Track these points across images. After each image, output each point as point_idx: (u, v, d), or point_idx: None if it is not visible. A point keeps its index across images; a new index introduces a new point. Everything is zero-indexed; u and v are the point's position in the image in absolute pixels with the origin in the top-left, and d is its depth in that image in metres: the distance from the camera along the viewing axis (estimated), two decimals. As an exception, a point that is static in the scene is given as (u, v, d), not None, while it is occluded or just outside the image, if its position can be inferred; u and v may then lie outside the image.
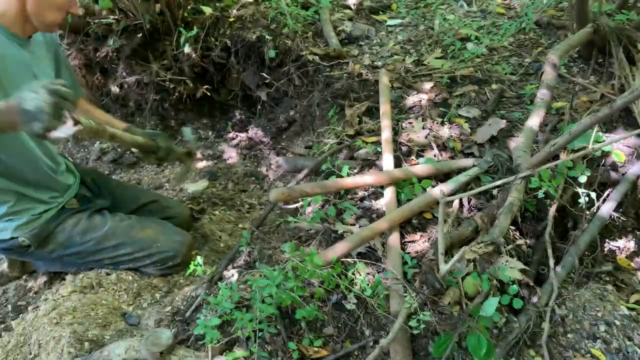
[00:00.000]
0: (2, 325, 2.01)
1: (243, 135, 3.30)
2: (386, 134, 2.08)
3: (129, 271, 2.09)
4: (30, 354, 1.74)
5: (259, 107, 3.39)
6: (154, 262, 2.08)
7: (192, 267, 1.87)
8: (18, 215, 1.92)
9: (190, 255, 2.19)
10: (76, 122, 1.48)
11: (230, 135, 3.31)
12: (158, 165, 2.66)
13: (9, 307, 2.11)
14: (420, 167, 1.91)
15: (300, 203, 2.26)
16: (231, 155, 3.20)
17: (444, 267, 1.55)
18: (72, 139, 1.53)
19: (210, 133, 3.41)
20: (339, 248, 1.63)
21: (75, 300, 1.89)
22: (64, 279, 2.22)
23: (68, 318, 1.81)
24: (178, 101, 3.31)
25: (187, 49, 3.05)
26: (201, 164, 3.14)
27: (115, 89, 3.24)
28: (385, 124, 2.12)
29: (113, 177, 3.03)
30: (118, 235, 2.04)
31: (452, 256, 1.67)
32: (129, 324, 1.90)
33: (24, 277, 2.24)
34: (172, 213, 2.32)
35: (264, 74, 3.05)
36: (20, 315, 2.06)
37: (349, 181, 1.83)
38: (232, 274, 1.92)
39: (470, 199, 1.93)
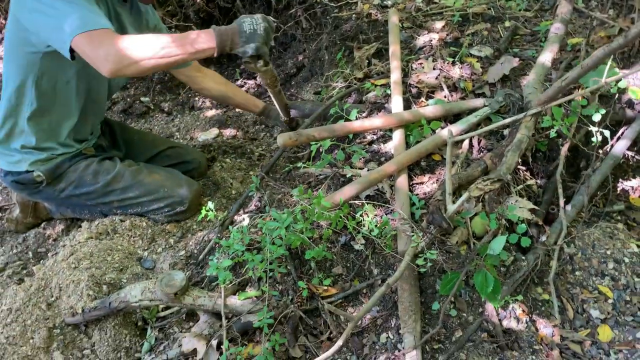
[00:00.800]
0: (25, 271, 2.09)
1: (251, 82, 3.26)
2: (395, 76, 2.03)
3: (142, 218, 2.13)
4: (52, 296, 1.82)
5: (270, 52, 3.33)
6: (161, 208, 2.12)
7: (203, 212, 1.90)
8: (39, 152, 1.99)
9: (199, 202, 2.22)
10: (266, 63, 1.76)
11: (239, 82, 3.27)
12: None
13: (30, 253, 2.18)
14: (429, 109, 1.88)
15: (310, 149, 2.26)
16: (240, 102, 3.18)
17: (451, 207, 1.55)
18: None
19: (218, 80, 3.37)
20: (347, 191, 1.63)
21: (92, 246, 1.95)
22: (81, 227, 2.28)
23: (85, 263, 1.87)
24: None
25: (191, -6, 2.98)
26: (210, 113, 3.12)
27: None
28: (395, 65, 2.07)
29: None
30: (126, 178, 2.09)
31: (461, 197, 1.67)
32: (144, 268, 1.96)
33: (42, 225, 2.30)
34: (189, 159, 2.36)
35: (270, 17, 2.96)
36: (41, 261, 2.14)
37: (357, 124, 1.81)
38: (242, 219, 1.95)
39: (480, 140, 1.91)
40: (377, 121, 1.82)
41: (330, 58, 2.72)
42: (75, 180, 2.05)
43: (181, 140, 2.89)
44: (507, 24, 2.33)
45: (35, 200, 2.21)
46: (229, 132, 2.94)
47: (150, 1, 2.02)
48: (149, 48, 1.58)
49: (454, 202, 1.56)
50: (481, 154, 1.89)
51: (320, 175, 2.04)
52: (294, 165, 2.16)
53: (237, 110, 3.18)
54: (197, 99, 3.20)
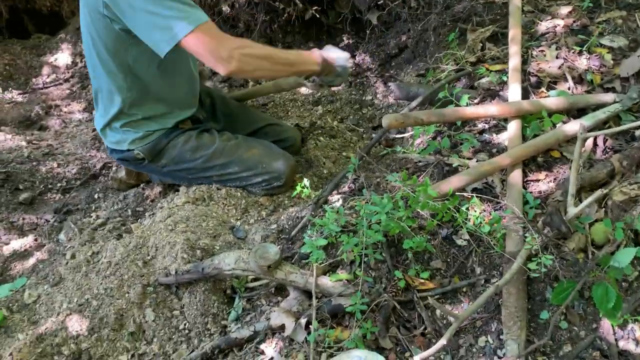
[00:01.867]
0: (124, 227, 2.18)
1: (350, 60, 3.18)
2: (514, 62, 1.88)
3: (237, 188, 2.15)
4: (148, 255, 1.87)
5: (368, 31, 3.24)
6: (259, 182, 2.13)
7: (298, 188, 1.88)
8: (135, 128, 2.05)
9: (294, 178, 2.21)
10: None
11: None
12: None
13: (129, 211, 2.27)
14: (551, 100, 1.72)
15: (411, 133, 2.16)
16: (336, 81, 3.12)
17: (572, 210, 1.41)
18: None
19: (316, 58, 3.33)
20: (455, 181, 1.53)
21: (188, 210, 1.98)
22: (178, 191, 2.34)
23: (182, 226, 1.90)
24: (286, 23, 3.24)
25: (298, -34, 2.94)
26: (305, 90, 3.09)
27: (226, 8, 3.23)
28: (514, 50, 1.91)
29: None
30: (226, 154, 2.11)
31: (581, 199, 1.52)
32: (236, 237, 1.97)
33: (141, 185, 2.38)
34: (284, 136, 2.37)
35: (378, -5, 2.87)
36: (139, 220, 2.22)
37: (470, 111, 1.69)
38: (337, 199, 1.91)
39: (606, 139, 1.72)
40: (492, 109, 1.69)
41: (438, 40, 2.59)
42: (176, 157, 2.09)
43: (278, 114, 2.88)
44: (646, 12, 2.08)
45: (140, 171, 2.29)
46: (321, 111, 2.90)
47: None
48: (268, 62, 1.78)
49: (575, 205, 1.42)
50: (605, 154, 1.70)
51: (420, 162, 1.94)
52: (392, 149, 2.08)
53: (332, 88, 3.12)
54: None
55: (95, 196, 2.39)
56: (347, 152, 2.51)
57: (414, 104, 1.99)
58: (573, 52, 1.97)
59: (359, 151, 2.13)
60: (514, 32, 1.97)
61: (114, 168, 2.58)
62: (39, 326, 1.78)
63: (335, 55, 1.98)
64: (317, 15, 3.14)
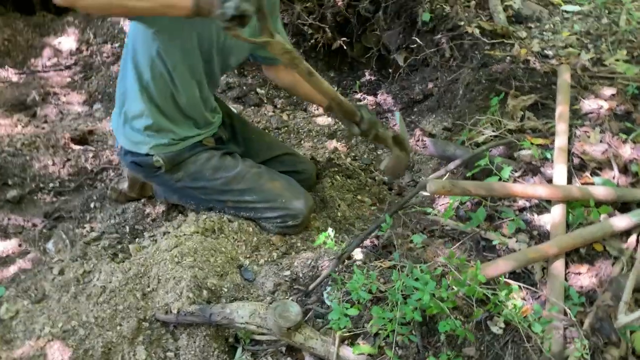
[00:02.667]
0: (120, 246, 2.01)
1: (371, 98, 3.10)
2: (561, 141, 1.81)
3: (250, 222, 2.01)
4: (149, 286, 1.72)
5: (392, 71, 3.17)
6: (274, 218, 2.00)
7: (321, 238, 1.75)
8: (161, 134, 1.91)
9: (310, 219, 2.09)
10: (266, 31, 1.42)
11: (357, 96, 3.12)
12: (363, 138, 2.29)
13: (127, 228, 2.10)
14: (600, 190, 1.65)
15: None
16: (355, 117, 3.02)
17: (623, 318, 1.33)
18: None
19: (336, 89, 3.23)
20: (502, 266, 1.43)
21: (197, 242, 1.83)
22: (181, 212, 2.19)
23: (189, 260, 1.75)
24: (311, 49, 3.14)
25: (335, -5, 2.85)
26: (321, 120, 2.99)
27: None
28: (561, 128, 1.85)
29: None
30: (247, 181, 1.98)
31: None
32: (244, 279, 1.83)
33: (142, 201, 2.22)
34: (301, 168, 2.25)
35: (414, 37, 2.79)
36: (137, 240, 2.05)
37: (518, 189, 1.61)
38: (359, 253, 1.79)
39: (651, 239, 1.66)
40: (540, 190, 1.61)
41: (470, 95, 2.52)
42: (194, 173, 1.95)
43: (291, 142, 2.77)
44: (691, 108, 2.05)
45: (149, 182, 2.13)
46: (336, 146, 2.79)
47: None
48: None
49: (627, 313, 1.34)
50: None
51: (447, 226, 1.85)
52: (421, 209, 1.99)
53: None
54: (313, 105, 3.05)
55: (91, 205, 2.21)
56: (362, 195, 2.41)
57: (451, 165, 1.90)
58: (618, 139, 1.92)
59: (388, 207, 2.02)
60: (562, 109, 1.92)
61: (112, 176, 2.41)
62: (14, 348, 1.60)
63: None
64: (344, 47, 3.05)
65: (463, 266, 1.43)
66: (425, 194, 2.00)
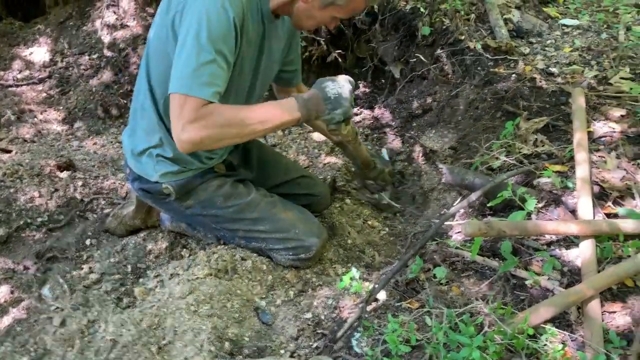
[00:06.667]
0: (123, 288, 1.88)
1: (367, 112, 3.03)
2: (583, 171, 1.78)
3: (263, 259, 1.92)
4: (164, 339, 1.60)
5: (386, 83, 3.10)
6: (286, 249, 1.92)
7: (346, 280, 1.68)
8: (173, 163, 1.81)
9: (323, 252, 2.02)
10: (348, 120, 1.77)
11: (355, 110, 3.04)
12: (364, 182, 2.41)
13: (129, 267, 1.96)
14: (629, 224, 1.63)
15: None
16: (352, 132, 2.94)
17: (669, 365, 1.31)
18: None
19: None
20: (543, 312, 1.39)
21: (212, 285, 1.73)
22: (185, 247, 2.07)
23: (206, 308, 1.65)
24: (305, 61, 3.03)
25: (330, 7, 2.73)
26: (317, 136, 2.89)
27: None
28: (582, 157, 1.82)
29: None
30: (260, 210, 1.90)
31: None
32: (262, 322, 1.74)
33: (142, 235, 2.08)
34: (317, 191, 2.19)
35: (413, 51, 2.73)
36: (141, 281, 1.93)
37: (552, 227, 1.57)
38: (384, 295, 1.72)
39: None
40: (573, 227, 1.58)
41: (475, 113, 2.48)
42: (205, 200, 1.86)
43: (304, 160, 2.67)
44: (700, 130, 2.06)
45: (157, 208, 2.01)
46: (336, 161, 2.71)
47: (302, 28, 1.83)
48: (231, 129, 1.55)
49: (673, 360, 1.32)
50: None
51: (467, 258, 1.81)
52: (440, 240, 1.93)
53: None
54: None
55: (87, 242, 2.06)
56: (371, 220, 2.34)
57: (473, 197, 1.85)
58: (634, 165, 1.91)
59: (409, 245, 1.96)
60: (581, 137, 1.89)
61: (104, 205, 2.26)
62: (17, 415, 1.47)
63: (325, 88, 1.63)
64: (338, 59, 2.96)
65: (505, 313, 1.38)
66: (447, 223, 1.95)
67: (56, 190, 2.25)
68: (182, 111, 1.47)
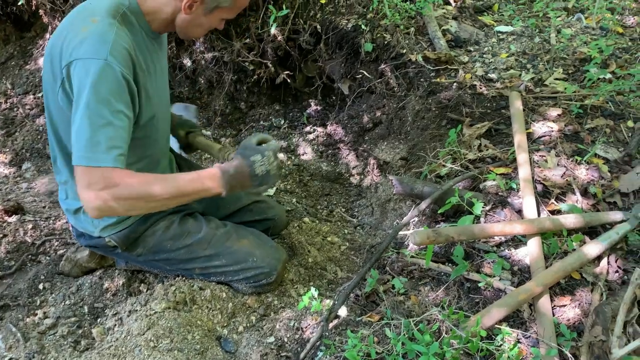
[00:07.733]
0: (80, 331, 1.83)
1: (320, 129, 3.06)
2: (524, 171, 1.86)
3: (222, 287, 1.90)
4: (124, 379, 1.56)
5: (339, 100, 3.15)
6: (247, 278, 1.90)
7: (305, 300, 1.68)
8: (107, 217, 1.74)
9: (284, 274, 2.01)
10: None
11: (307, 129, 3.07)
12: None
13: (85, 308, 1.91)
14: (570, 219, 1.70)
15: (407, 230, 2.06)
16: (306, 150, 2.97)
17: (617, 352, 1.36)
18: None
19: (282, 122, 3.16)
20: (495, 314, 1.43)
21: (170, 319, 1.70)
22: (143, 281, 2.04)
23: (166, 342, 1.62)
24: (254, 84, 3.06)
25: (273, 30, 2.77)
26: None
27: (188, 62, 2.98)
28: (523, 158, 1.90)
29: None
30: (213, 245, 1.86)
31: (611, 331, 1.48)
32: (225, 351, 1.72)
33: (98, 274, 2.04)
34: (272, 214, 2.15)
35: (358, 67, 2.79)
36: (99, 321, 1.88)
37: (498, 229, 1.62)
38: (345, 311, 1.73)
39: (617, 259, 1.73)
40: (518, 227, 1.64)
41: (422, 123, 2.54)
42: (154, 246, 1.82)
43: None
44: (629, 123, 2.18)
45: (110, 257, 1.97)
46: (301, 183, 2.73)
47: (190, 37, 1.74)
48: (139, 202, 1.47)
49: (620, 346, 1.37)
50: (617, 274, 1.71)
51: (423, 266, 1.84)
52: (395, 250, 1.96)
53: (302, 157, 2.96)
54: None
55: (40, 286, 2.00)
56: (331, 237, 2.35)
57: (423, 205, 1.89)
58: (572, 161, 1.99)
59: (366, 258, 1.98)
60: (520, 139, 1.96)
61: (57, 247, 2.20)
62: None
63: (254, 164, 1.57)
64: (287, 80, 2.99)
65: (459, 318, 1.41)
66: (401, 234, 1.99)
67: (4, 235, 2.18)
68: (85, 182, 1.41)
